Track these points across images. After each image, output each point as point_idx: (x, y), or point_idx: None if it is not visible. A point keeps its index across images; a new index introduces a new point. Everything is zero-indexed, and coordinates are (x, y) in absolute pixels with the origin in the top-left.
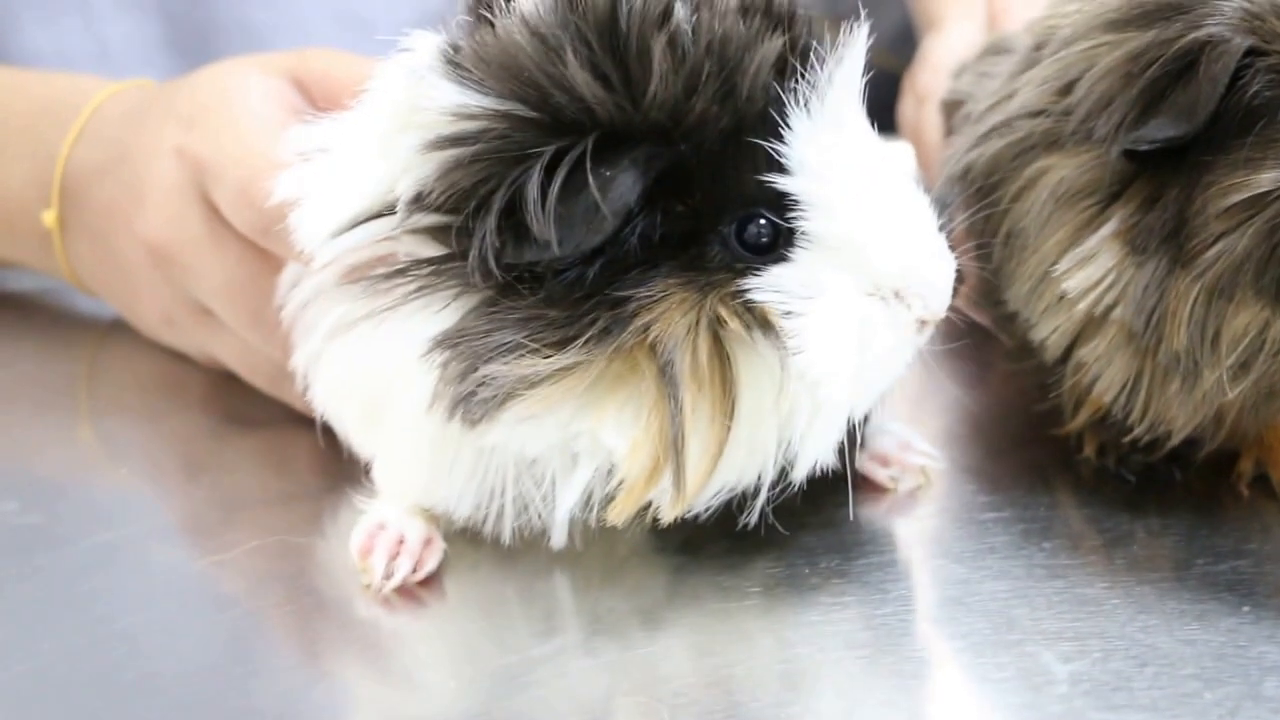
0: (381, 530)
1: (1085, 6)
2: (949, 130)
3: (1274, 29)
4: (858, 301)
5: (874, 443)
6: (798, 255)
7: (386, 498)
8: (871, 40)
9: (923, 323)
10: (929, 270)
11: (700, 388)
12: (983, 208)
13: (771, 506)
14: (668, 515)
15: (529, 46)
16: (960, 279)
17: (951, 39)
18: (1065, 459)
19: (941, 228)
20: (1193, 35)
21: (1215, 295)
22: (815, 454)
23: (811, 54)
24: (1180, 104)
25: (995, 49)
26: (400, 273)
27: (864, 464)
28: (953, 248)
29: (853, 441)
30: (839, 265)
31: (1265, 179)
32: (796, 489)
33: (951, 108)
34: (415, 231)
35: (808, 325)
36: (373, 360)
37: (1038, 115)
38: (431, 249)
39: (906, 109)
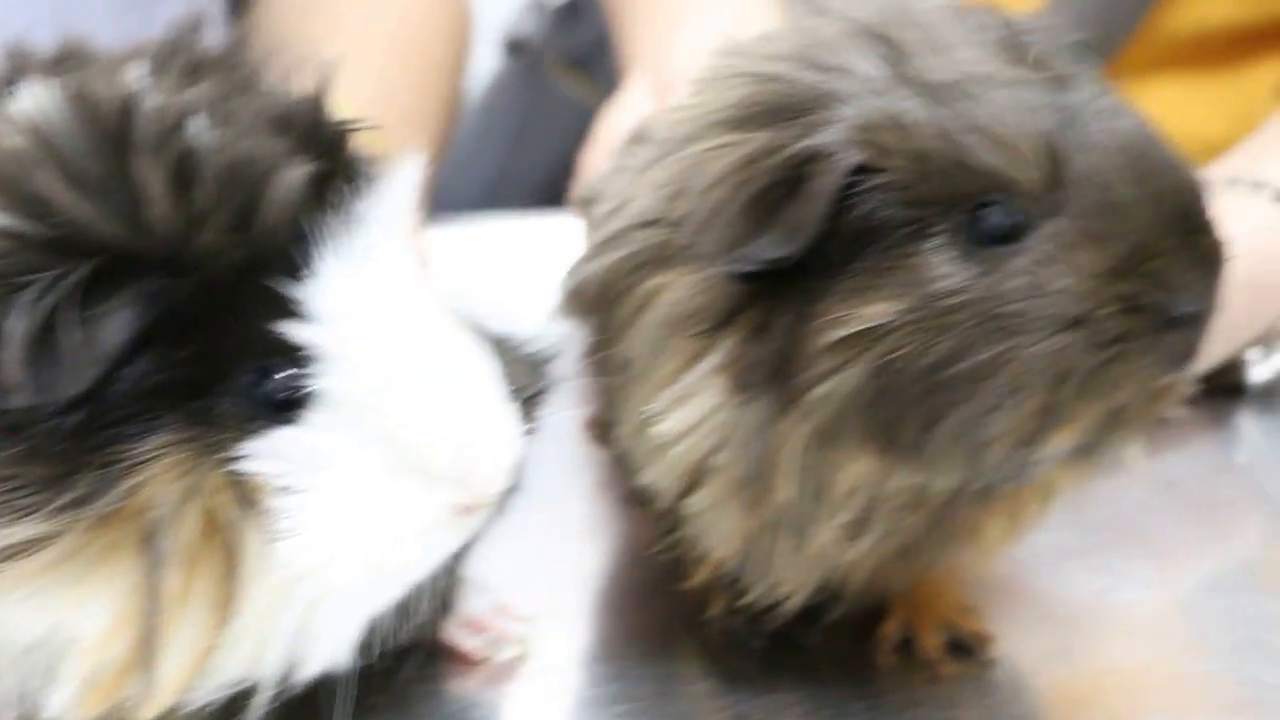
0: None
1: (707, 99)
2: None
3: (887, 143)
4: (377, 479)
5: (464, 605)
6: (315, 418)
7: None
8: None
9: (465, 508)
10: (470, 448)
11: (190, 571)
12: (598, 331)
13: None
14: (143, 716)
15: (21, 150)
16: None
17: (625, 109)
18: (694, 617)
19: (522, 385)
20: (804, 144)
21: (823, 441)
22: (325, 653)
23: (351, 185)
24: (788, 222)
25: (638, 137)
26: None
27: (450, 631)
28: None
29: (438, 604)
30: (359, 434)
31: (874, 311)
32: (297, 691)
33: (585, 206)
34: None
35: (309, 503)
36: None
37: (651, 225)
38: None
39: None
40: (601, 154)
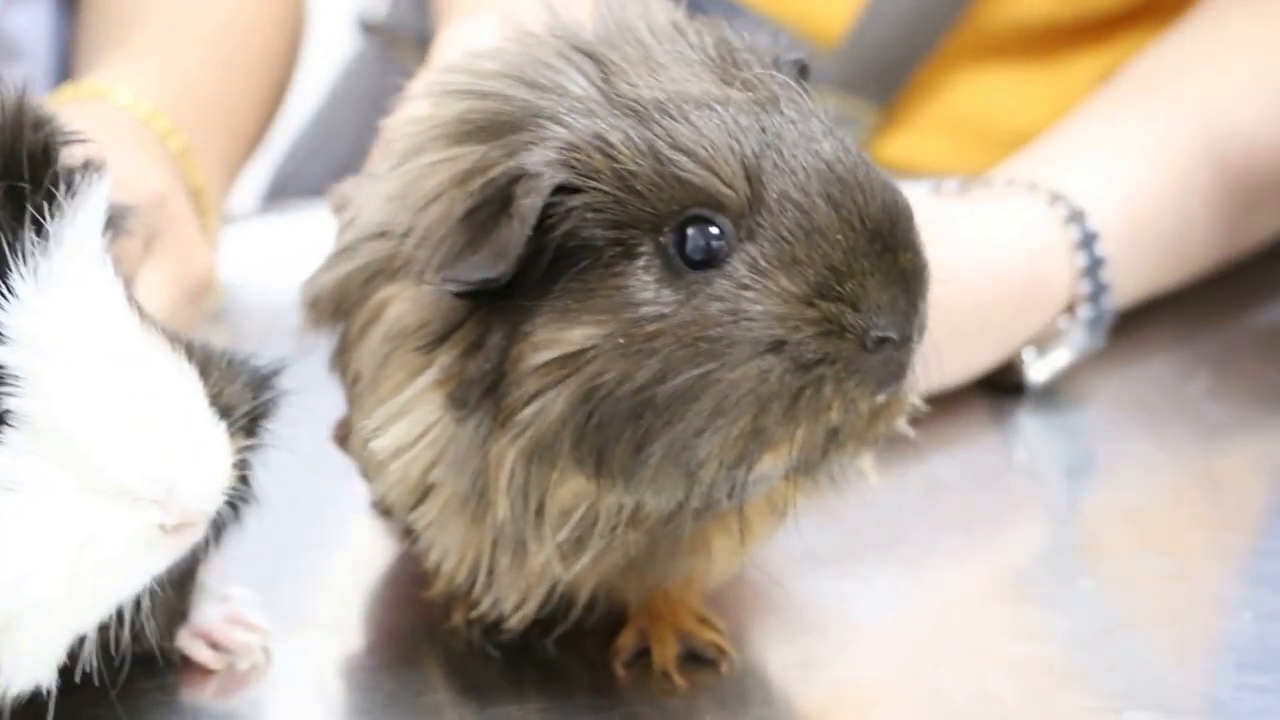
0: None
1: (433, 112)
2: None
3: (591, 163)
4: (73, 500)
5: (198, 615)
6: (9, 438)
7: None
8: None
9: (171, 527)
10: (167, 468)
11: None
12: (339, 340)
13: None
14: None
15: None
16: None
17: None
18: (437, 627)
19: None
20: (511, 163)
21: (535, 461)
22: (28, 671)
23: (45, 207)
24: (495, 243)
25: (386, 143)
26: None
27: (185, 640)
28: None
29: (172, 613)
30: (51, 455)
31: (577, 336)
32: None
33: (337, 211)
34: None
35: (1, 525)
36: None
37: (381, 237)
38: None
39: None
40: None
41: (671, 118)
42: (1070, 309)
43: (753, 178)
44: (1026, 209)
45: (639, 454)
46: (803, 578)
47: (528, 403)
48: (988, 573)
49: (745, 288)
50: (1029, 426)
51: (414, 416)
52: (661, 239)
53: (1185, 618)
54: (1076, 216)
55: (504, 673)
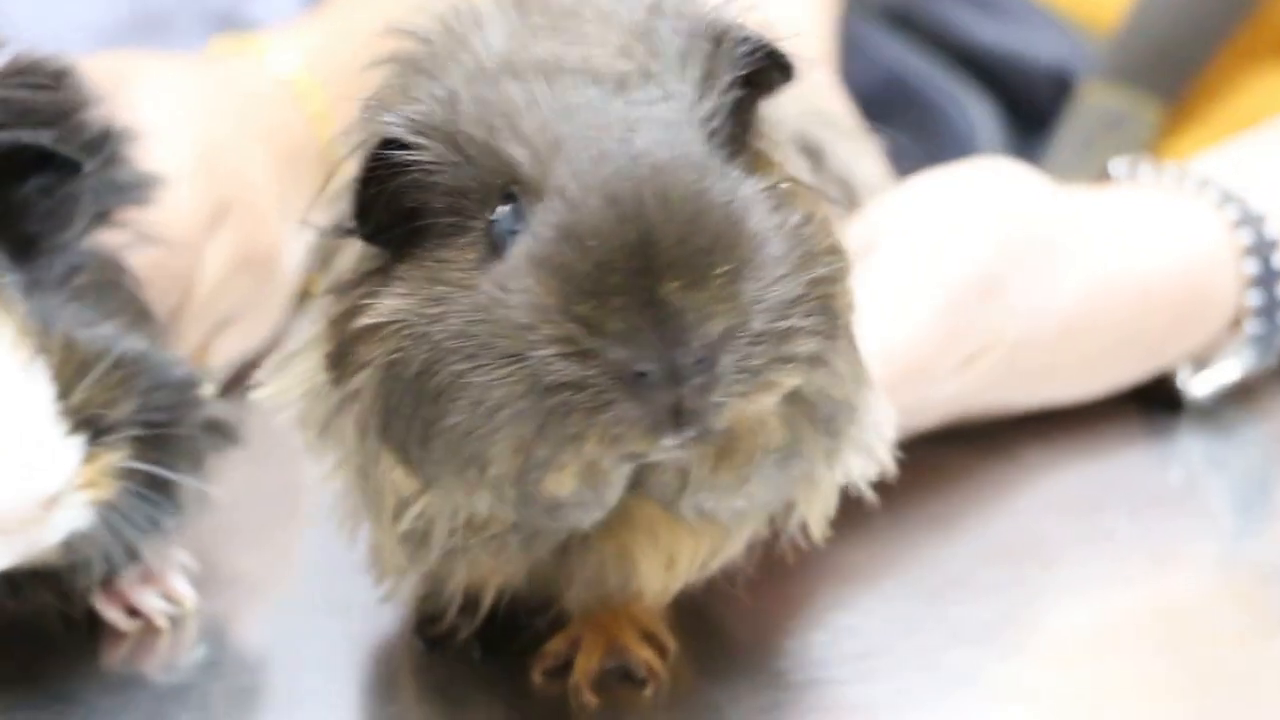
0: None
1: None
2: None
3: (431, 120)
4: None
5: (118, 576)
6: None
7: None
8: None
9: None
10: None
11: None
12: None
13: None
14: None
15: None
16: None
17: None
18: None
19: None
20: (375, 120)
21: (365, 436)
22: None
23: None
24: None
25: None
26: None
27: (99, 600)
28: None
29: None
30: None
31: (385, 307)
32: None
33: None
34: None
35: None
36: None
37: None
38: None
39: None
40: None
41: (516, 81)
42: (1236, 323)
43: (545, 159)
44: (1190, 210)
45: (425, 446)
46: (791, 618)
47: (355, 371)
48: (1008, 621)
49: (504, 287)
50: (1188, 447)
51: (294, 369)
52: (489, 214)
53: (1243, 680)
54: (1251, 220)
55: (423, 667)
